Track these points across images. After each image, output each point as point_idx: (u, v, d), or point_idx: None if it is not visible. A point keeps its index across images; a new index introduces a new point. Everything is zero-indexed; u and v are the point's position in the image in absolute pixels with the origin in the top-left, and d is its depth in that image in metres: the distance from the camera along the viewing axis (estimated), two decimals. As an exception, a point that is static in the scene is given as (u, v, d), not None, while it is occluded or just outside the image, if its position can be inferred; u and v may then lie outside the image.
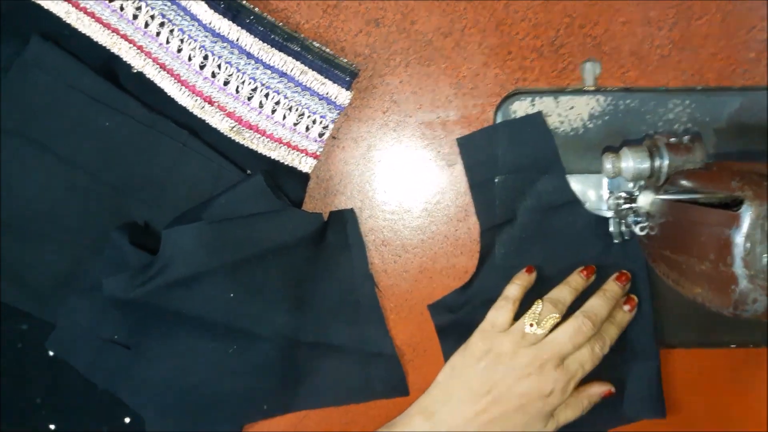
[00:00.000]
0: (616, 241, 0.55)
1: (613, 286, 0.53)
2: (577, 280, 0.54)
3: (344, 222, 0.57)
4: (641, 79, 0.56)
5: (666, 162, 0.46)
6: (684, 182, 0.44)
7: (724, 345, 0.57)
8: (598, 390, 0.53)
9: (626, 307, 0.53)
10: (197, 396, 0.55)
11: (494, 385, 0.50)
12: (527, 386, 0.49)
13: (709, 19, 0.56)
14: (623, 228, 0.54)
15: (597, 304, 0.52)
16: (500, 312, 0.52)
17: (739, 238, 0.37)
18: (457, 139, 0.56)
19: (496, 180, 0.56)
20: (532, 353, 0.49)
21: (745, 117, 0.55)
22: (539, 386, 0.49)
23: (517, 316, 0.52)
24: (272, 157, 0.55)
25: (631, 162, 0.47)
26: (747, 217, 0.37)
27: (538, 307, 0.51)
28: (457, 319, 0.57)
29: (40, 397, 0.57)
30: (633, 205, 0.52)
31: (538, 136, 0.55)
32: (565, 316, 0.51)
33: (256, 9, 0.53)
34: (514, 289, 0.53)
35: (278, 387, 0.56)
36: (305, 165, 0.55)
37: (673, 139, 0.47)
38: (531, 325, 0.50)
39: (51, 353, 0.56)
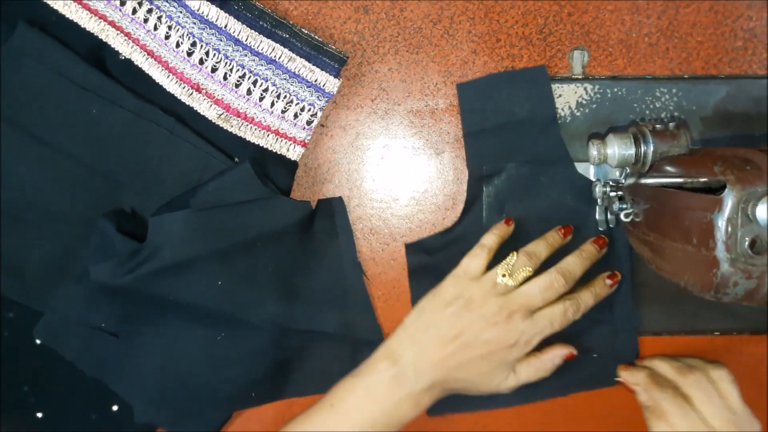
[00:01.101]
0: (601, 228, 0.55)
1: (589, 247, 0.53)
2: (554, 236, 0.54)
3: (332, 210, 0.57)
4: (629, 68, 0.57)
5: (651, 148, 0.46)
6: (668, 168, 0.44)
7: (707, 332, 0.57)
8: (560, 352, 0.53)
9: (608, 281, 0.53)
10: (185, 383, 0.55)
11: (461, 331, 0.50)
12: (494, 334, 0.49)
13: (697, 8, 0.56)
14: (609, 215, 0.54)
15: (572, 262, 0.52)
16: (474, 260, 0.52)
17: (721, 222, 0.37)
18: (457, 84, 0.56)
19: (490, 129, 0.55)
20: (501, 302, 0.50)
21: (730, 105, 0.56)
22: (506, 335, 0.49)
23: (491, 266, 0.52)
24: (260, 145, 0.55)
25: (617, 148, 0.47)
26: (729, 201, 0.37)
27: (512, 258, 0.51)
28: (431, 261, 0.57)
29: (27, 386, 0.57)
30: (619, 192, 0.52)
31: (539, 90, 0.55)
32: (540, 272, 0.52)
33: (244, -5, 0.53)
34: (490, 238, 0.53)
35: (267, 374, 0.56)
36: (293, 153, 0.55)
37: (658, 126, 0.47)
38: (503, 275, 0.50)
39: (38, 341, 0.56)
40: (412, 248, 0.58)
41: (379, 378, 0.50)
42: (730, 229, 0.37)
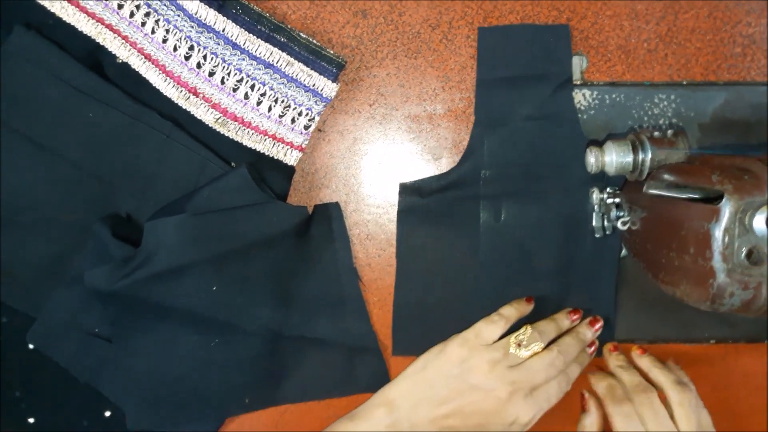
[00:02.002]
0: (597, 235, 0.55)
1: (585, 330, 0.54)
2: (564, 321, 0.54)
3: (329, 216, 0.57)
4: (627, 74, 0.56)
5: (649, 156, 0.46)
6: (666, 176, 0.44)
7: (703, 341, 0.57)
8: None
9: (589, 350, 0.54)
10: (179, 389, 0.55)
11: (460, 396, 0.50)
12: (493, 407, 0.49)
13: (696, 14, 0.56)
14: (606, 222, 0.54)
15: (571, 343, 0.52)
16: (490, 326, 0.52)
17: (718, 232, 0.37)
18: (479, 28, 0.55)
19: (503, 79, 0.55)
20: (506, 376, 0.49)
21: (729, 112, 0.56)
22: (505, 412, 0.49)
23: None
24: (257, 150, 0.55)
25: (615, 156, 0.47)
26: (726, 211, 0.37)
27: (527, 331, 0.51)
28: (423, 204, 0.56)
29: (19, 391, 0.57)
30: (616, 199, 0.52)
31: (559, 48, 0.55)
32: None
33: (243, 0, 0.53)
34: (510, 311, 0.53)
35: (261, 381, 0.56)
36: (290, 158, 0.55)
37: (656, 134, 0.47)
38: (518, 345, 0.50)
39: (31, 346, 0.56)
40: (405, 188, 0.57)
41: (375, 425, 0.50)
42: (727, 239, 0.37)
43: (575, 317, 0.55)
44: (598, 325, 0.55)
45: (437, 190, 0.56)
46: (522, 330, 0.51)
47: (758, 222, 0.36)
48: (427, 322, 0.57)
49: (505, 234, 0.56)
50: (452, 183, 0.56)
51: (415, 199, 0.57)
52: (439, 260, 0.57)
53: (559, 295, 0.57)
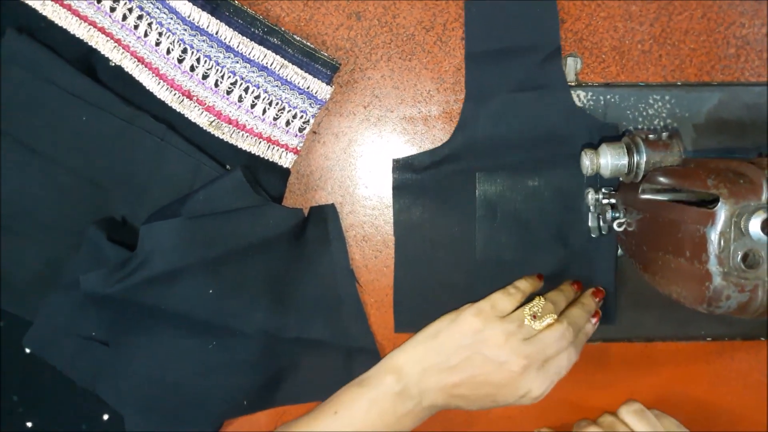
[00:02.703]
0: (593, 235, 0.55)
1: (590, 301, 0.54)
2: (569, 289, 0.54)
3: (325, 217, 0.57)
4: (622, 75, 0.57)
5: (644, 158, 0.46)
6: (662, 179, 0.44)
7: (700, 338, 0.57)
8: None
9: (593, 320, 0.54)
10: (177, 392, 0.55)
11: (472, 367, 0.49)
12: (505, 380, 0.49)
13: (690, 15, 0.56)
14: (601, 223, 0.54)
15: (578, 314, 0.52)
16: (506, 297, 0.52)
17: (714, 236, 0.37)
18: (465, 2, 0.55)
19: (492, 52, 0.55)
20: (520, 349, 0.49)
21: (723, 112, 0.56)
22: (516, 384, 0.49)
23: None
24: (252, 152, 0.55)
25: (610, 158, 0.47)
26: (722, 214, 0.37)
27: (540, 302, 0.51)
28: (417, 179, 0.56)
29: (16, 395, 0.57)
30: (611, 200, 0.52)
31: (546, 19, 0.55)
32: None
33: (236, 2, 0.52)
34: (526, 285, 0.53)
35: (259, 383, 0.56)
36: (285, 160, 0.55)
37: (651, 136, 0.47)
38: (533, 317, 0.50)
39: (28, 350, 0.56)
40: (398, 164, 0.57)
41: (385, 392, 0.50)
42: (723, 242, 0.37)
43: (576, 287, 0.55)
44: (601, 295, 0.55)
45: (430, 165, 0.56)
46: (536, 301, 0.51)
47: (754, 226, 0.36)
48: (428, 298, 0.57)
49: (501, 206, 0.56)
50: (445, 157, 0.56)
51: (409, 175, 0.57)
52: (437, 235, 0.57)
53: (559, 265, 0.57)
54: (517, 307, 0.51)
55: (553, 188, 0.56)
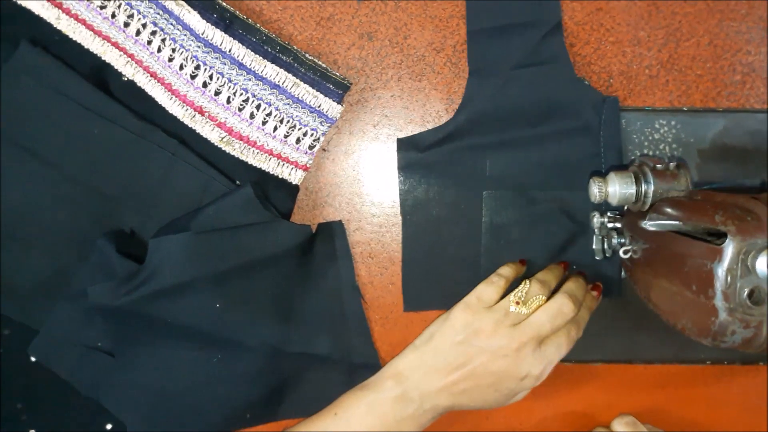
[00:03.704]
0: (597, 257, 0.56)
1: (580, 276, 0.54)
2: (558, 268, 0.54)
3: (332, 234, 0.57)
4: (629, 99, 0.57)
5: (652, 188, 0.47)
6: (669, 210, 0.45)
7: (699, 362, 0.58)
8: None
9: (594, 293, 0.54)
10: (180, 404, 0.55)
11: (468, 360, 0.50)
12: (502, 366, 0.49)
13: (697, 42, 0.57)
14: (606, 246, 0.55)
15: (575, 286, 0.52)
16: (489, 287, 0.52)
17: (721, 272, 0.38)
18: None
19: (494, 29, 0.55)
20: (510, 334, 0.49)
21: (728, 139, 0.57)
22: (514, 369, 0.49)
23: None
24: (262, 169, 0.55)
25: (618, 187, 0.48)
26: (729, 251, 0.38)
27: (525, 286, 0.51)
28: (422, 158, 0.57)
29: (20, 403, 0.57)
30: (617, 224, 0.53)
31: None
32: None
33: (249, 20, 0.53)
34: (507, 270, 0.53)
35: (262, 396, 0.57)
36: (295, 177, 0.55)
37: (659, 166, 0.47)
38: (517, 303, 0.50)
39: (33, 359, 0.56)
40: (402, 143, 0.57)
41: (385, 396, 0.50)
42: (729, 279, 0.38)
43: (564, 266, 0.55)
44: (584, 275, 0.55)
45: (435, 143, 0.57)
46: (521, 286, 0.51)
47: (760, 264, 0.37)
48: (436, 276, 0.58)
49: (507, 182, 0.57)
50: (450, 135, 0.56)
51: (413, 153, 0.57)
52: (443, 212, 0.57)
53: (565, 238, 0.57)
54: (505, 294, 0.52)
55: (558, 162, 0.56)
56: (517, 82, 0.55)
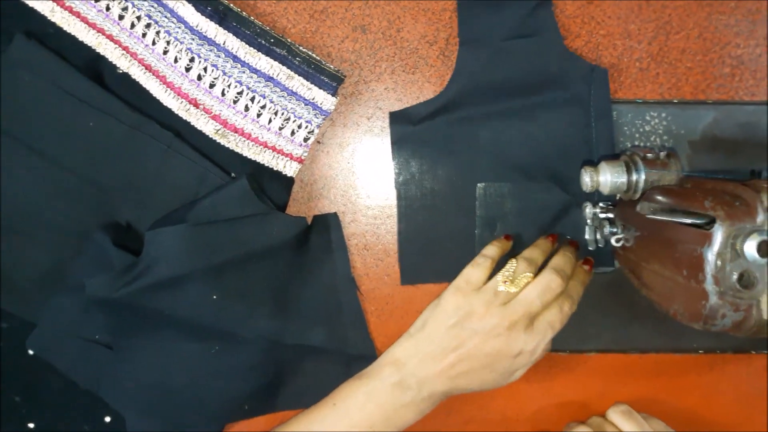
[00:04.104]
0: (590, 248, 0.57)
1: (569, 248, 0.54)
2: (545, 243, 0.54)
3: (327, 226, 0.58)
4: (620, 92, 0.58)
5: (643, 177, 0.47)
6: (660, 197, 0.45)
7: (692, 351, 0.59)
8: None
9: (585, 267, 0.54)
10: (178, 396, 0.55)
11: (462, 343, 0.50)
12: (495, 346, 0.50)
13: (687, 35, 0.57)
14: (598, 236, 0.55)
15: (562, 261, 0.52)
16: (476, 269, 0.52)
17: (711, 256, 0.39)
18: None
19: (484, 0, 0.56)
20: (501, 313, 0.49)
21: (717, 130, 0.57)
22: (508, 347, 0.49)
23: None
24: (257, 161, 0.55)
25: (609, 176, 0.48)
26: (719, 236, 0.38)
27: (512, 265, 0.51)
28: (415, 131, 0.57)
29: (19, 396, 0.57)
30: (609, 215, 0.53)
31: None
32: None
33: (243, 13, 0.53)
34: (492, 249, 0.53)
35: (260, 388, 0.57)
36: (290, 169, 0.56)
37: (649, 155, 0.48)
38: (504, 282, 0.50)
39: (31, 352, 0.56)
40: (395, 117, 0.57)
41: (383, 383, 0.51)
42: (719, 263, 0.38)
43: (552, 239, 0.55)
44: (576, 245, 0.55)
45: (427, 116, 0.57)
46: (508, 265, 0.51)
47: (749, 247, 0.37)
48: (432, 249, 0.58)
49: (500, 153, 0.57)
50: (442, 107, 0.57)
51: (406, 127, 0.57)
52: (437, 185, 0.58)
53: (560, 208, 0.57)
54: (494, 273, 0.52)
55: (549, 133, 0.57)
56: (507, 53, 0.56)
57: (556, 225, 0.57)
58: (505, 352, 0.50)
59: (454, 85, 0.56)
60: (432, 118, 0.57)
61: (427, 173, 0.57)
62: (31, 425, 0.57)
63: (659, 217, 0.43)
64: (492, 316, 0.50)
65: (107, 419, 0.57)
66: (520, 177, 0.57)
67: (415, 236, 0.58)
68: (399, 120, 0.57)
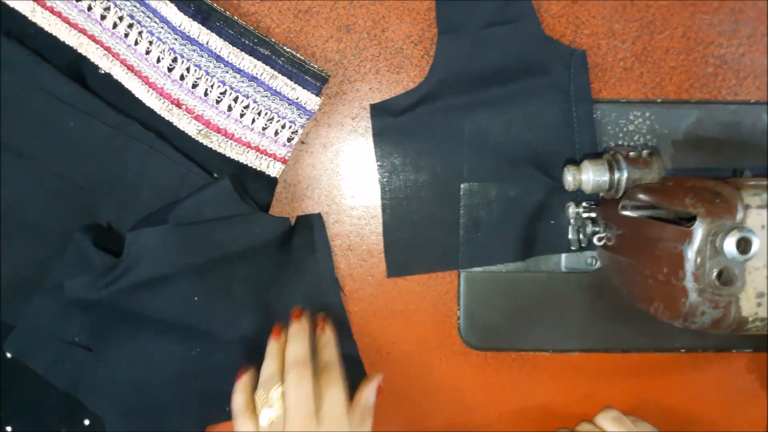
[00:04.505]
0: (573, 248, 0.57)
1: (295, 327, 0.51)
2: (274, 347, 0.50)
3: (311, 227, 0.57)
4: (604, 91, 0.58)
5: (625, 175, 0.47)
6: (642, 196, 0.46)
7: (674, 350, 0.59)
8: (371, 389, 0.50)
9: (322, 331, 0.51)
10: (159, 398, 0.55)
11: None
12: None
13: (670, 35, 0.58)
14: (581, 236, 0.55)
15: (293, 348, 0.48)
16: (244, 423, 0.47)
17: (691, 254, 0.39)
18: None
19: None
20: None
21: (700, 130, 0.57)
22: None
23: None
24: (240, 161, 0.55)
25: (591, 174, 0.48)
26: (699, 233, 0.39)
27: (258, 397, 0.47)
28: (396, 123, 0.57)
29: (-3, 398, 0.57)
30: (591, 214, 0.54)
31: None
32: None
33: (227, 12, 0.53)
34: (239, 397, 0.48)
35: None
36: (273, 169, 0.56)
37: (632, 153, 0.48)
38: (266, 417, 0.46)
39: (8, 355, 0.56)
40: (376, 109, 0.57)
41: None
42: (699, 260, 0.38)
43: (275, 335, 0.51)
44: (298, 314, 0.52)
45: (408, 107, 0.57)
46: (256, 399, 0.47)
47: (728, 245, 0.38)
48: (418, 240, 0.58)
49: (483, 142, 0.57)
50: (422, 98, 0.57)
51: (387, 119, 0.57)
52: (420, 175, 0.57)
53: (545, 192, 0.57)
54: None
55: (532, 118, 0.56)
56: (486, 41, 0.56)
57: (542, 211, 0.57)
58: None
59: (435, 75, 0.56)
60: (413, 108, 0.56)
61: (410, 164, 0.57)
62: (8, 429, 0.57)
63: (640, 214, 0.43)
64: None
65: (86, 422, 0.57)
66: (503, 164, 0.57)
67: (399, 228, 0.58)
68: (380, 112, 0.57)
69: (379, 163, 0.57)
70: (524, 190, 0.57)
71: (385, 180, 0.57)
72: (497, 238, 0.57)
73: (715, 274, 0.38)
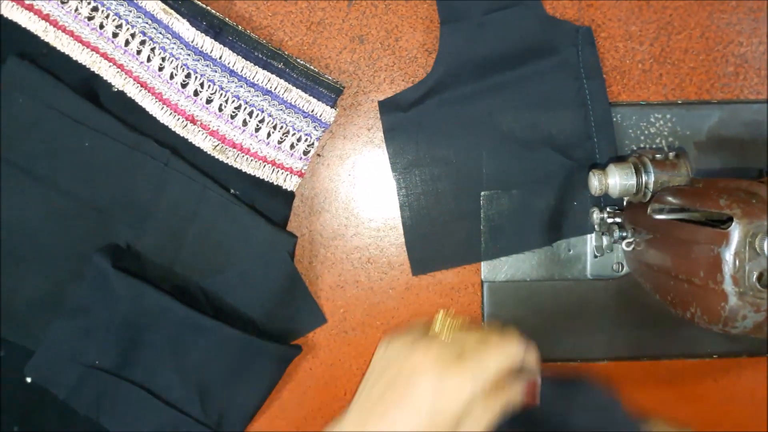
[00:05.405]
0: (598, 254, 0.55)
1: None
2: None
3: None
4: (623, 94, 0.57)
5: (652, 178, 0.46)
6: (671, 199, 0.44)
7: (706, 356, 0.58)
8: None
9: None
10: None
11: None
12: None
13: (689, 35, 0.57)
14: (605, 242, 0.54)
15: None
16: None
17: (729, 256, 0.38)
18: None
19: None
20: None
21: (723, 130, 0.56)
22: None
23: None
24: (257, 176, 0.54)
25: (618, 178, 0.47)
26: (736, 234, 0.37)
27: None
28: (406, 118, 0.56)
29: (17, 425, 0.56)
30: (617, 219, 0.52)
31: None
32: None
33: (239, 27, 0.52)
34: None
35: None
36: (290, 183, 0.55)
37: (658, 156, 0.47)
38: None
39: (29, 380, 0.55)
40: (385, 106, 0.56)
41: None
42: (737, 262, 0.37)
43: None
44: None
45: (417, 100, 0.56)
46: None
47: (768, 246, 0.36)
48: (439, 235, 0.57)
49: (496, 128, 0.56)
50: (430, 90, 0.56)
51: (397, 114, 0.56)
52: (436, 168, 0.56)
53: (565, 174, 0.56)
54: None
55: (544, 99, 0.55)
56: (490, 26, 0.55)
57: (564, 193, 0.56)
58: None
59: (440, 65, 0.55)
60: (422, 101, 0.56)
61: (424, 158, 0.56)
62: (30, 456, 0.56)
63: (671, 216, 0.42)
64: None
65: (109, 447, 0.56)
66: (518, 149, 0.56)
67: (419, 224, 0.57)
68: (389, 108, 0.56)
69: (392, 159, 0.56)
70: (544, 174, 0.56)
71: (400, 176, 0.56)
72: (520, 225, 0.56)
73: (755, 276, 0.37)
